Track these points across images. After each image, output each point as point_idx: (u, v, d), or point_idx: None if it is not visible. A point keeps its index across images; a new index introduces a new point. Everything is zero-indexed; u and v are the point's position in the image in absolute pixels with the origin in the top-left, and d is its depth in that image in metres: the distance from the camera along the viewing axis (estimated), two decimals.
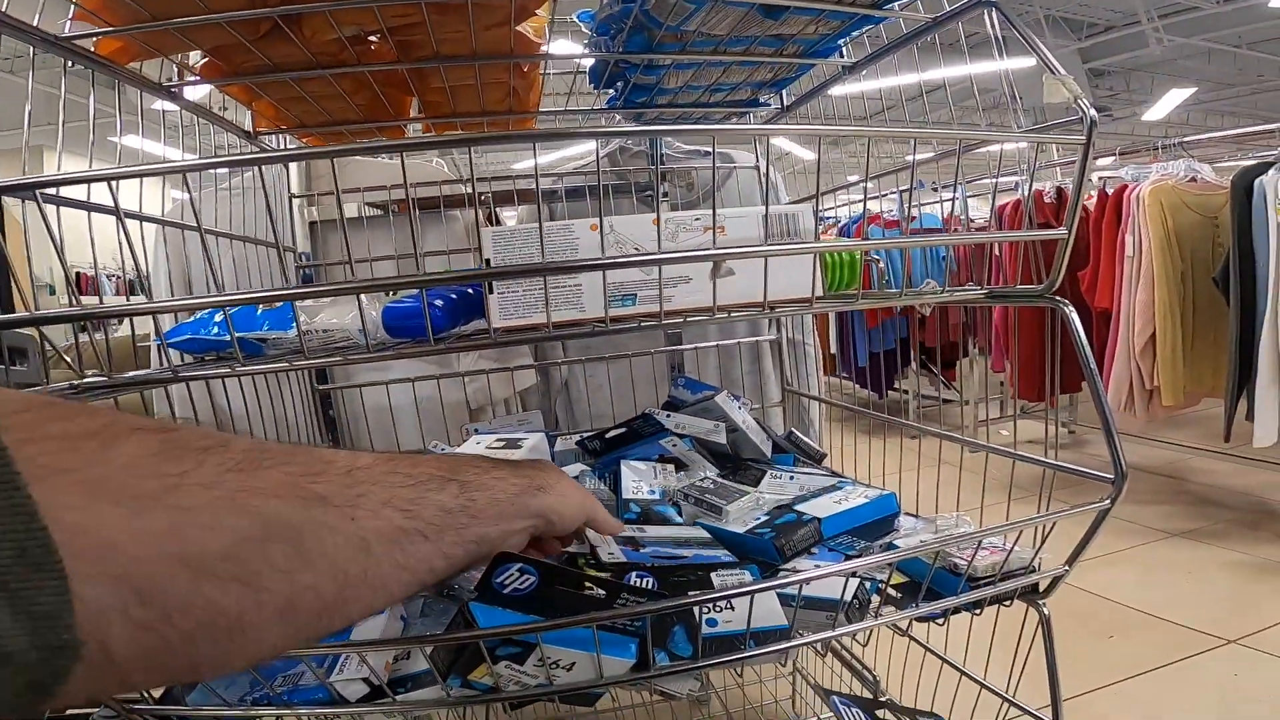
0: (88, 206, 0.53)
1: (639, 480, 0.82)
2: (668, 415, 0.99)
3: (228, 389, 1.00)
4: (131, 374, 0.49)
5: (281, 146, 0.99)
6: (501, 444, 0.84)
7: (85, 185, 0.51)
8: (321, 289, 0.43)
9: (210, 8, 0.57)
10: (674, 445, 0.93)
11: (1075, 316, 0.60)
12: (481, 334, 0.53)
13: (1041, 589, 0.68)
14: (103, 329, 0.52)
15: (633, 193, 1.27)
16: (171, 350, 0.58)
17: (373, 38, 0.74)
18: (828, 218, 3.98)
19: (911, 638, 0.89)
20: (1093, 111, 0.53)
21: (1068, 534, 0.66)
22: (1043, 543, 0.66)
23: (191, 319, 0.58)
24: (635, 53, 0.80)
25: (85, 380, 0.47)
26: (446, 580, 0.41)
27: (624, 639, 0.49)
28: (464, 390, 1.17)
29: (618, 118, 1.21)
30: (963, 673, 0.84)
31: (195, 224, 0.44)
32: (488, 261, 0.51)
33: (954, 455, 0.92)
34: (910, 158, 0.61)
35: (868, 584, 0.61)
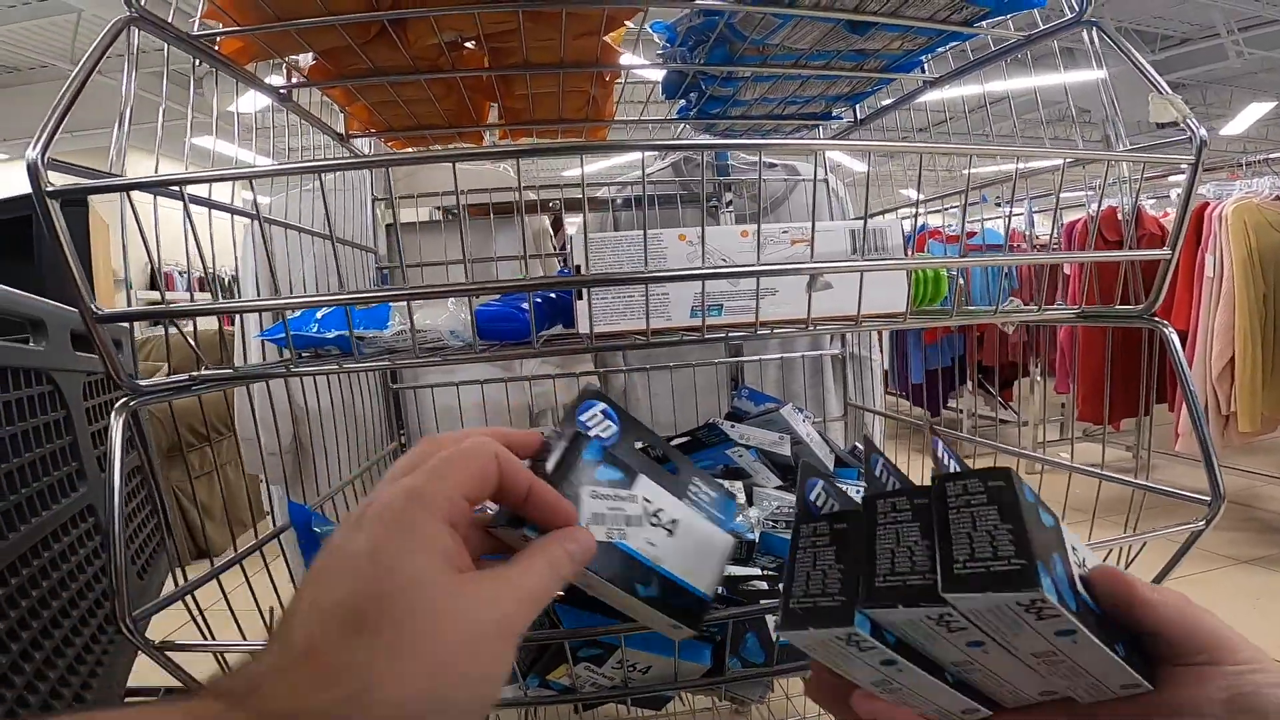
0: (220, 206, 0.56)
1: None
2: (732, 426, 0.99)
3: (305, 387, 1.04)
4: (248, 366, 0.51)
5: (368, 149, 1.04)
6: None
7: (200, 186, 0.54)
8: (431, 290, 0.45)
9: (329, 9, 0.60)
10: (739, 455, 0.93)
11: (1175, 337, 0.58)
12: (575, 338, 0.54)
13: None
14: (194, 325, 0.55)
15: (700, 202, 1.27)
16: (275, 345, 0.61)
17: (468, 44, 0.77)
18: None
19: None
20: (1202, 130, 0.51)
21: (1145, 560, 0.63)
22: (1129, 564, 0.63)
23: (293, 317, 0.61)
24: (716, 65, 0.81)
25: (204, 373, 0.49)
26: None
27: (700, 645, 0.50)
28: (528, 394, 1.19)
29: (685, 127, 1.22)
30: None
31: (308, 227, 0.46)
32: (578, 268, 0.52)
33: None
34: (1001, 167, 0.60)
35: None
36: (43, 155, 0.37)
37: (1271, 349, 2.36)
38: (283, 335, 0.58)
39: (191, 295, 0.65)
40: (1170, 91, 0.52)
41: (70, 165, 0.41)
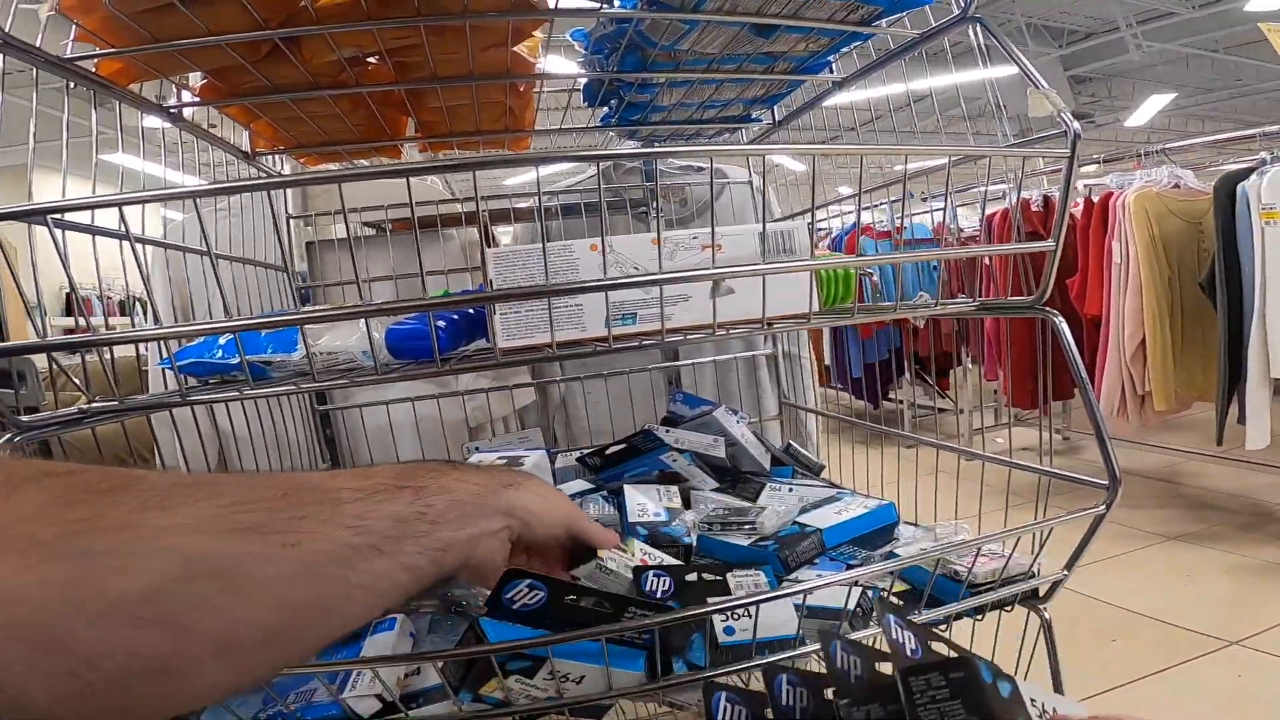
0: (99, 231, 0.54)
1: (644, 502, 0.83)
2: (667, 431, 1.00)
3: (230, 412, 1.00)
4: (142, 397, 0.49)
5: (279, 167, 1.00)
6: (504, 462, 0.85)
7: (91, 210, 0.52)
8: (330, 313, 0.44)
9: (211, 30, 0.58)
10: (674, 460, 0.94)
11: (1065, 327, 0.62)
12: (485, 354, 0.54)
13: (1041, 594, 0.68)
14: (109, 352, 0.52)
15: (627, 209, 1.28)
16: (178, 373, 0.59)
17: (371, 59, 0.76)
18: (819, 229, 4.03)
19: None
20: (1076, 125, 0.54)
21: (1066, 539, 0.66)
22: (1040, 549, 0.66)
23: (196, 342, 0.58)
24: (629, 72, 0.82)
25: (94, 405, 0.47)
26: (419, 592, 0.39)
27: (633, 651, 0.50)
28: (464, 409, 1.18)
29: (611, 134, 1.23)
30: None
31: (203, 248, 0.44)
32: (489, 284, 0.52)
33: (950, 464, 0.92)
34: (901, 168, 0.62)
35: (870, 592, 0.62)
36: None
37: (1180, 330, 2.52)
38: (188, 361, 0.55)
39: (106, 321, 0.62)
40: (1046, 86, 0.55)
41: None
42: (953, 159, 0.58)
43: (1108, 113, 9.62)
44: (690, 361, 1.31)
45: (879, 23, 0.66)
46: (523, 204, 1.44)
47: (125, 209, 0.46)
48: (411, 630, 0.62)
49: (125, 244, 0.50)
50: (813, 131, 1.04)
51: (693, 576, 0.58)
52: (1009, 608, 0.67)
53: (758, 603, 0.51)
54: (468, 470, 0.44)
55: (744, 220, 1.30)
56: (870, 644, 0.46)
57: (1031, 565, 0.67)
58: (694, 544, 0.75)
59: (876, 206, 3.01)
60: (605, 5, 0.70)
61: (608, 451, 0.98)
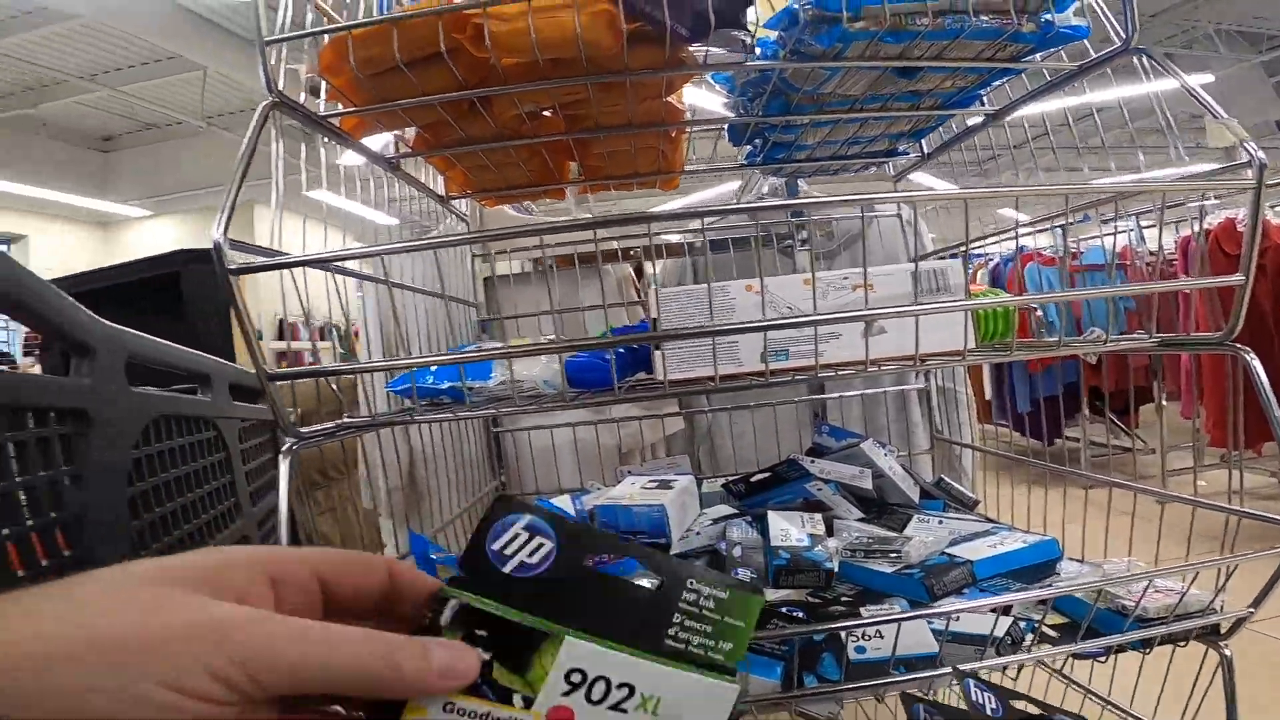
0: (356, 275, 0.67)
1: (787, 527, 0.85)
2: (812, 461, 1.02)
3: (419, 431, 1.15)
4: (386, 414, 0.61)
5: (466, 209, 1.16)
6: (654, 484, 0.91)
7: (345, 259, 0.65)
8: (527, 349, 0.52)
9: (425, 90, 0.71)
10: (819, 490, 0.95)
11: (1258, 365, 0.57)
12: (654, 384, 0.60)
13: (1223, 630, 0.63)
14: (360, 379, 0.65)
15: (774, 243, 1.32)
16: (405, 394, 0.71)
17: (546, 113, 0.87)
18: (978, 255, 3.78)
19: (1070, 680, 0.84)
20: (1261, 155, 0.51)
21: (1252, 583, 0.61)
22: (1223, 586, 0.62)
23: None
24: (774, 115, 0.86)
25: (348, 420, 0.59)
26: None
27: (771, 661, 0.53)
28: (618, 435, 1.26)
29: (757, 172, 1.28)
30: (1131, 716, 0.79)
31: (436, 290, 0.54)
32: (655, 321, 0.58)
33: (1127, 504, 0.86)
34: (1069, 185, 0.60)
35: (1023, 623, 0.60)
36: (224, 236, 0.47)
37: None
38: (407, 386, 0.67)
39: (314, 345, 0.75)
40: (1225, 115, 0.53)
41: (243, 244, 0.50)
42: (1120, 197, 0.57)
43: None
44: (837, 395, 1.31)
45: (1032, 58, 0.66)
46: (673, 237, 1.52)
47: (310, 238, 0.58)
48: None
49: (333, 279, 0.62)
50: (964, 152, 1.02)
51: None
52: (1183, 643, 0.63)
53: (899, 621, 0.53)
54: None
55: (893, 252, 1.29)
56: (1018, 670, 0.46)
57: (1212, 602, 0.62)
58: (835, 569, 0.76)
59: (1041, 231, 2.79)
60: (749, 58, 0.76)
61: (753, 479, 1.01)
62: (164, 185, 8.44)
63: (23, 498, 0.46)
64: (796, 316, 0.54)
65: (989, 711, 0.44)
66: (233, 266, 0.47)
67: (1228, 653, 0.63)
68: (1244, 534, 0.65)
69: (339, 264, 0.59)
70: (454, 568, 0.44)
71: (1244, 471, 0.68)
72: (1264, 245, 2.30)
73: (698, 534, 0.88)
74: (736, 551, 0.82)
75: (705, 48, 0.72)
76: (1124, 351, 0.63)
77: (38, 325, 0.47)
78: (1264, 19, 6.33)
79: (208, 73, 6.30)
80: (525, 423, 1.29)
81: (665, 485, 0.91)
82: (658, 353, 0.58)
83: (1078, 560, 0.81)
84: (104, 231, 9.14)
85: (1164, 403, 3.19)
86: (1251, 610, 0.61)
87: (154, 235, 8.97)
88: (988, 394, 3.91)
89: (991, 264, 3.68)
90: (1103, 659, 0.62)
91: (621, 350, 0.61)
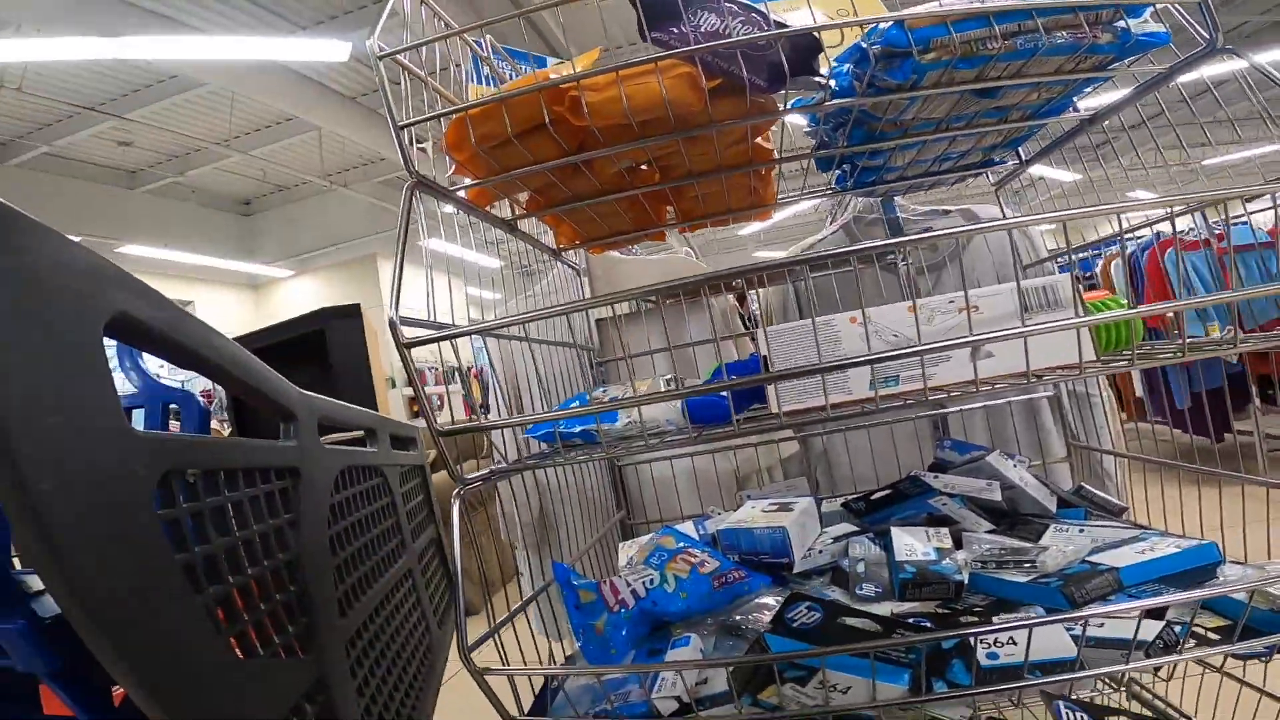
0: (507, 336, 0.76)
1: (911, 542, 0.86)
2: (935, 476, 1.01)
3: (549, 470, 1.25)
4: (532, 457, 0.69)
5: (575, 256, 1.25)
6: (775, 507, 0.94)
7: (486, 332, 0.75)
8: (653, 397, 0.58)
9: (535, 158, 0.81)
10: (944, 504, 0.95)
11: None
12: (769, 417, 0.64)
13: None
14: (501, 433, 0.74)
15: (874, 261, 1.32)
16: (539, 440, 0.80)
17: (643, 166, 0.95)
18: (1110, 245, 3.50)
19: (1235, 678, 0.78)
20: None
21: None
22: None
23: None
24: (858, 144, 0.89)
25: (500, 466, 0.68)
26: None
27: (898, 669, 0.55)
28: (734, 461, 1.30)
29: (849, 196, 1.30)
30: None
31: (564, 340, 0.62)
32: (765, 360, 0.63)
33: None
34: (1214, 161, 0.59)
35: (1178, 627, 0.59)
36: (397, 314, 0.57)
37: None
38: (546, 431, 0.75)
39: (446, 389, 0.85)
40: None
41: (411, 320, 0.61)
42: (1246, 199, 0.55)
43: None
44: (957, 409, 1.29)
45: (1119, 64, 0.66)
46: (770, 270, 1.55)
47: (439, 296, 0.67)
48: (701, 647, 0.74)
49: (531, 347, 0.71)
50: (1104, 133, 0.98)
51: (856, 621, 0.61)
52: None
53: (1028, 627, 0.53)
54: None
55: (1002, 259, 1.26)
56: (1171, 671, 0.45)
57: None
58: (965, 581, 0.76)
59: (1181, 214, 2.56)
60: (827, 96, 0.80)
61: (873, 497, 1.02)
62: (301, 245, 9.14)
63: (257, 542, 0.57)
64: (903, 346, 0.57)
65: None
66: (406, 341, 0.57)
67: None
68: None
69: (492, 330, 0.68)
70: (594, 591, 0.56)
71: None
72: None
73: (820, 552, 0.90)
74: (860, 568, 0.83)
75: (783, 91, 0.77)
76: (1260, 349, 0.60)
77: (251, 395, 0.59)
78: None
79: (322, 132, 6.71)
80: (645, 455, 1.36)
81: (785, 508, 0.94)
82: (771, 388, 0.63)
83: (1240, 563, 0.76)
84: (255, 293, 9.82)
85: None
86: None
87: (298, 293, 9.50)
88: (1138, 391, 3.58)
89: (1128, 251, 3.40)
90: (1265, 658, 0.59)
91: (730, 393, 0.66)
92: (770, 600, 0.76)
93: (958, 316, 0.64)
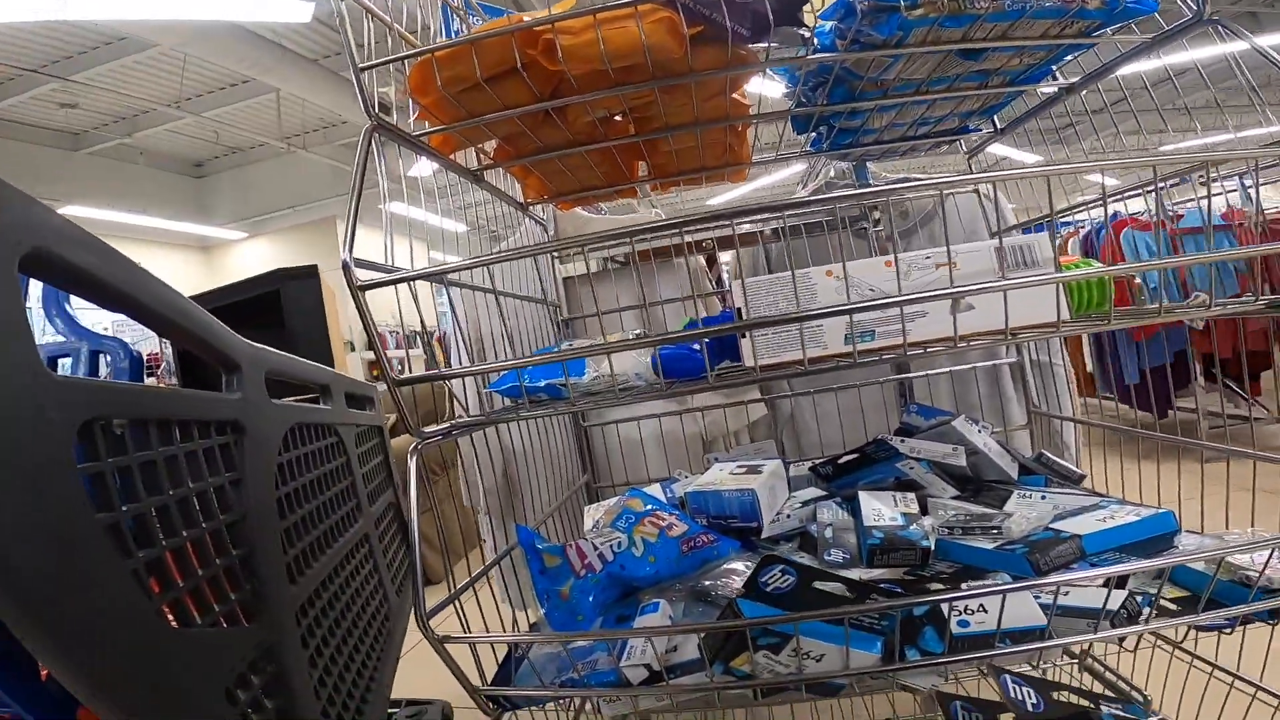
0: (471, 286, 0.72)
1: (879, 507, 0.85)
2: (901, 440, 1.01)
3: (511, 431, 1.22)
4: (496, 412, 0.66)
5: (543, 213, 1.21)
6: (743, 470, 0.93)
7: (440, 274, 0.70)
8: (625, 343, 0.56)
9: (505, 104, 0.76)
10: (911, 469, 0.95)
11: None
12: (743, 371, 0.62)
13: None
14: (458, 382, 0.70)
15: (845, 225, 1.31)
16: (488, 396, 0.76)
17: (616, 117, 0.91)
18: (1067, 224, 3.57)
19: (1192, 654, 0.81)
20: None
21: None
22: None
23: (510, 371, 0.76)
24: (838, 103, 0.87)
25: (461, 420, 0.64)
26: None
27: (871, 636, 0.54)
28: (701, 424, 1.28)
29: (824, 159, 1.27)
30: (1259, 687, 0.75)
31: (495, 292, 0.59)
32: (739, 311, 0.60)
33: (1247, 478, 0.81)
34: (1170, 148, 0.58)
35: (1139, 598, 0.59)
36: (350, 256, 0.53)
37: None
38: (510, 385, 0.72)
39: (407, 353, 0.81)
40: None
41: (369, 263, 0.57)
42: (1210, 164, 0.54)
43: None
44: (923, 373, 1.29)
45: (1103, 31, 0.64)
46: (744, 227, 1.53)
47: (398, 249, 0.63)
48: (670, 613, 0.72)
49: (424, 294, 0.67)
50: (1041, 120, 0.98)
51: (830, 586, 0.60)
52: None
53: (1002, 593, 0.53)
54: None
55: (972, 228, 1.25)
56: (1136, 642, 0.46)
57: None
58: (932, 547, 0.76)
59: (1133, 197, 2.61)
60: (809, 51, 0.76)
61: (840, 461, 1.02)
62: (255, 207, 8.94)
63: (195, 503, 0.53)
64: (882, 298, 0.55)
65: (1029, 708, 0.45)
66: (360, 283, 0.52)
67: None
68: None
69: (451, 276, 0.64)
70: (559, 555, 0.53)
71: None
72: None
73: (788, 516, 0.89)
74: (828, 533, 0.83)
75: (765, 44, 0.74)
76: (1231, 315, 0.60)
77: (194, 344, 0.54)
78: None
79: (280, 94, 6.56)
80: (611, 417, 1.33)
81: (754, 470, 0.93)
82: (745, 340, 0.60)
83: (1196, 533, 0.77)
84: (205, 255, 9.64)
85: None
86: None
87: (252, 256, 9.37)
88: (1089, 366, 3.69)
89: (1083, 232, 3.47)
90: (1229, 630, 0.60)
91: (710, 340, 0.64)
92: (739, 565, 0.75)
93: (935, 272, 0.63)
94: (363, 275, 0.54)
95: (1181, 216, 2.64)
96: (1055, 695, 0.49)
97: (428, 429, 0.60)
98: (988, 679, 0.63)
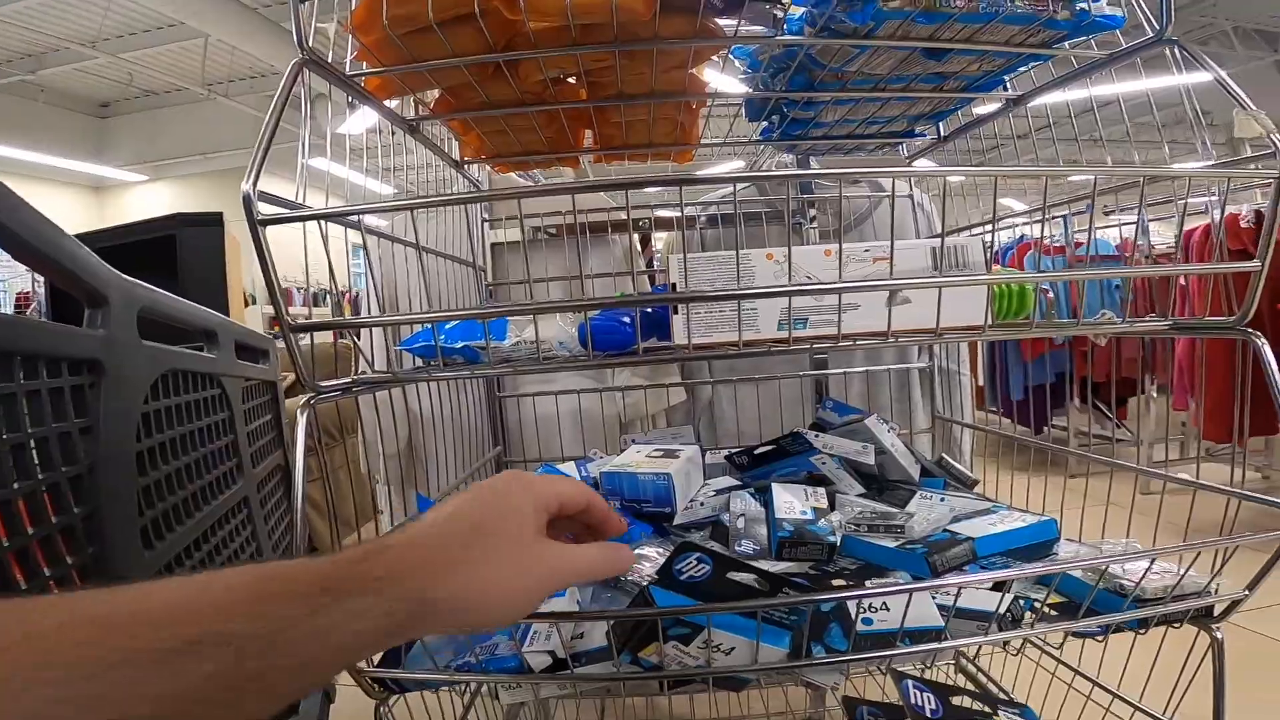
0: (383, 235, 0.65)
1: (791, 500, 0.86)
2: (816, 435, 1.02)
3: (419, 395, 1.15)
4: (404, 371, 0.60)
5: (480, 173, 1.14)
6: (660, 453, 0.91)
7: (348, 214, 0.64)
8: (551, 305, 0.52)
9: (455, 51, 0.70)
10: (823, 464, 0.96)
11: (1268, 350, 0.58)
12: (675, 348, 0.60)
13: (1217, 612, 0.64)
14: (357, 335, 0.64)
15: (783, 220, 1.31)
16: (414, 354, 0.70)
17: (570, 79, 0.86)
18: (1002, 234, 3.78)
19: (1061, 661, 0.86)
20: None
21: (1247, 570, 0.63)
22: (1219, 569, 0.63)
23: (424, 329, 0.70)
24: (797, 91, 0.85)
25: (364, 375, 0.58)
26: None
27: (781, 631, 0.54)
28: (620, 404, 1.26)
29: (770, 149, 1.26)
30: (1116, 696, 0.81)
31: (417, 247, 0.54)
32: (674, 286, 0.58)
33: (1122, 496, 0.87)
34: (1078, 179, 0.60)
35: (1021, 601, 0.61)
36: (254, 188, 0.46)
37: None
38: (423, 344, 0.66)
39: (310, 310, 0.75)
40: (1253, 107, 0.53)
41: (273, 197, 0.50)
42: (1147, 178, 0.56)
43: None
44: (840, 370, 1.32)
45: (1062, 45, 0.65)
46: (669, 214, 1.50)
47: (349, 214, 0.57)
48: (578, 599, 0.69)
49: (335, 244, 0.61)
50: (979, 141, 1.01)
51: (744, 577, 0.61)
52: (1178, 624, 0.64)
53: (910, 592, 0.53)
54: (355, 597, 0.35)
55: (902, 233, 1.28)
56: (1020, 646, 0.47)
57: (1209, 584, 0.63)
58: (838, 543, 0.77)
59: (1050, 220, 2.79)
60: (778, 33, 0.74)
61: (756, 451, 1.02)
62: (162, 151, 8.52)
63: (34, 451, 0.45)
64: (820, 284, 0.54)
65: (929, 713, 0.46)
66: (261, 217, 0.46)
67: (1219, 635, 0.64)
68: (1238, 524, 0.66)
69: (366, 222, 0.58)
70: None
71: (1234, 456, 0.69)
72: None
73: (701, 504, 0.88)
74: (740, 523, 0.82)
75: (734, 21, 0.71)
76: (1136, 334, 0.63)
77: (53, 271, 0.46)
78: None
79: (210, 40, 6.32)
80: (528, 389, 1.28)
81: (671, 454, 0.91)
82: (677, 317, 0.58)
83: (1074, 541, 0.82)
84: (98, 196, 9.19)
85: (1154, 395, 3.22)
86: (1246, 593, 0.62)
87: (150, 200, 8.99)
88: (980, 380, 3.93)
89: (996, 250, 3.68)
90: (1100, 638, 0.63)
91: (641, 315, 0.61)
92: (650, 551, 0.73)
93: (872, 266, 0.63)
94: (265, 210, 0.47)
95: (1081, 244, 2.85)
96: (954, 700, 0.50)
97: (325, 383, 0.54)
98: (883, 677, 0.65)
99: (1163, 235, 2.99)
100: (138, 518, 0.58)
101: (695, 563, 0.53)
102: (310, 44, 0.60)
